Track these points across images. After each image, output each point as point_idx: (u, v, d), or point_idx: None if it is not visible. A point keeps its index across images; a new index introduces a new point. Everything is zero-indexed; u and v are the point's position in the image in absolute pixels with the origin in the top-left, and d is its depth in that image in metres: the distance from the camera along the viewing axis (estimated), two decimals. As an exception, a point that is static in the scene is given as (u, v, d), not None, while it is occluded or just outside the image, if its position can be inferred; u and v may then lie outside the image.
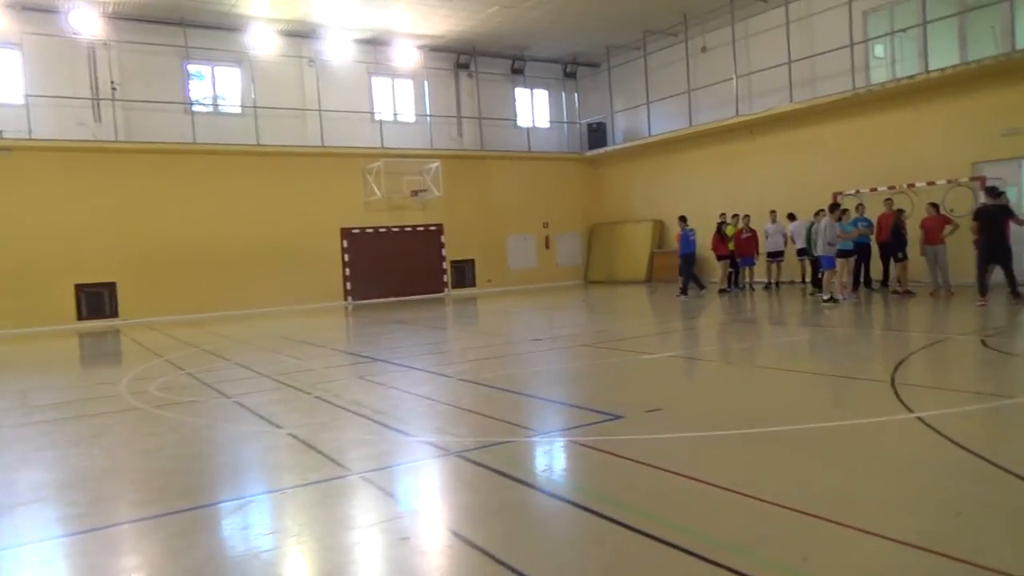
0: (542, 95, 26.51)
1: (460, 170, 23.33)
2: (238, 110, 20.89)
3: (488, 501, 4.25)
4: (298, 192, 20.88)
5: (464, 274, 24.00)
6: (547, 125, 26.65)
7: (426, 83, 23.74)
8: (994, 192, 12.54)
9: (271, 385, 8.32)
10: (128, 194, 18.69)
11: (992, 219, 12.11)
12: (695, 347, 10.46)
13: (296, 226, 20.78)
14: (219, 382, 8.70)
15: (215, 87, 20.87)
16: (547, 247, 25.72)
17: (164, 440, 6.04)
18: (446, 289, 23.59)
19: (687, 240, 17.50)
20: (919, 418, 5.34)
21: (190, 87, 20.32)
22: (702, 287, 18.17)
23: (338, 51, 21.61)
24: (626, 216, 25.18)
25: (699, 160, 22.07)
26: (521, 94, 25.93)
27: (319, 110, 21.51)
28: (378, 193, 21.61)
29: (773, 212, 17.96)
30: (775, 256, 18.05)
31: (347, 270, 21.83)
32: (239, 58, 20.62)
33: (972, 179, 15.21)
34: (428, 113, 23.82)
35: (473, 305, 19.97)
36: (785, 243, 17.87)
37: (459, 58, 24.03)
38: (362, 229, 22.05)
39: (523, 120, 25.97)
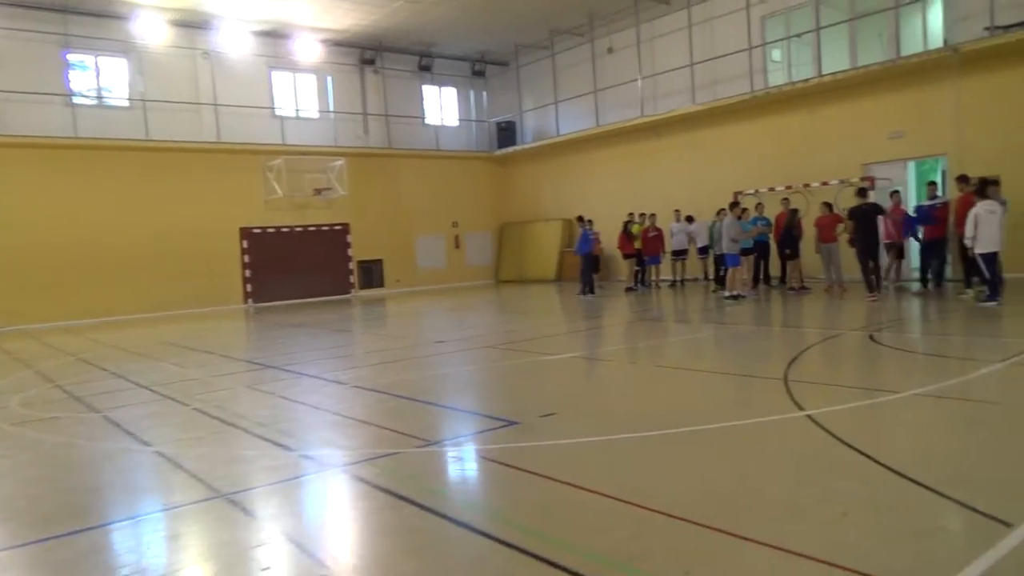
0: (450, 93, 26.16)
1: (366, 168, 22.76)
2: (125, 103, 19.67)
3: (366, 522, 3.96)
4: (192, 190, 19.84)
5: (372, 274, 23.43)
6: (456, 123, 26.32)
7: (329, 78, 23.04)
8: (863, 192, 13.42)
9: (148, 397, 7.73)
10: (0, 191, 17.30)
11: (865, 217, 12.82)
12: (598, 347, 10.40)
13: (190, 225, 19.73)
14: (91, 395, 8.03)
15: (99, 78, 19.59)
16: (457, 247, 25.42)
17: (15, 462, 5.47)
18: (353, 290, 22.97)
19: (586, 239, 17.51)
20: (808, 416, 5.35)
21: (71, 78, 19.00)
22: (584, 291, 17.14)
23: (235, 43, 20.65)
24: (536, 215, 25.15)
25: (606, 160, 22.25)
26: (429, 92, 25.51)
27: (214, 104, 20.53)
28: (279, 191, 20.81)
29: (677, 211, 18.25)
30: (679, 254, 18.37)
31: (247, 272, 20.93)
32: (126, 48, 19.41)
33: (863, 179, 15.82)
34: (332, 109, 23.13)
35: (380, 306, 19.49)
36: (688, 242, 18.22)
37: (364, 53, 23.41)
38: (263, 229, 21.19)
39: (431, 118, 25.57)
